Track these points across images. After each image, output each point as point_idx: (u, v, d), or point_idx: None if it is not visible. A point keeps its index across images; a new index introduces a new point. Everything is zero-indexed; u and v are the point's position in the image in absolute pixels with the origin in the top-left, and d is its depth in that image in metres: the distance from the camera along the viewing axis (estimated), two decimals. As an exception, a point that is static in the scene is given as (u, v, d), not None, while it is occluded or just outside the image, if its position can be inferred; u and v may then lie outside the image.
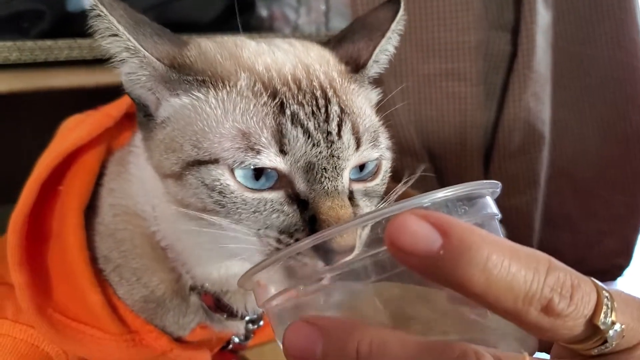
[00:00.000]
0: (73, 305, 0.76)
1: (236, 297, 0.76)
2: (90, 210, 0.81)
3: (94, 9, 0.61)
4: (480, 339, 0.44)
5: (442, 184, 1.54)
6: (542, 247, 1.47)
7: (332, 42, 0.76)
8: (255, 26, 1.94)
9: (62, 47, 1.31)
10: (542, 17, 1.47)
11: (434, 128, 1.50)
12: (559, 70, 1.60)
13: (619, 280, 1.88)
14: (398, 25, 0.74)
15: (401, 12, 0.74)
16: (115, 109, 0.83)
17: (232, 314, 0.77)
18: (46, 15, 1.44)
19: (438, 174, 1.54)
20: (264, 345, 0.95)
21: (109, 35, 0.63)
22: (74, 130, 0.81)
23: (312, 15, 1.90)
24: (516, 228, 1.54)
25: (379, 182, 0.67)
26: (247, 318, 0.78)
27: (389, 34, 0.73)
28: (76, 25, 1.57)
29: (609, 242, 1.75)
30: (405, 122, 1.46)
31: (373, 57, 0.72)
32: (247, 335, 0.85)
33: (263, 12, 1.98)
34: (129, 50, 0.63)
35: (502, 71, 1.51)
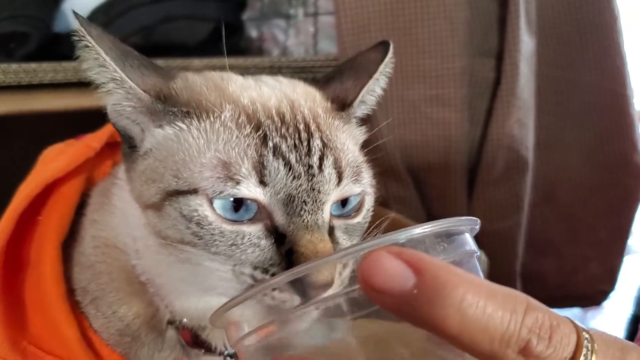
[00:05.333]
0: (48, 338, 0.75)
1: (215, 334, 0.75)
2: (71, 240, 0.80)
3: (82, 40, 0.62)
4: None
5: (427, 209, 1.55)
6: (525, 272, 1.48)
7: (321, 82, 0.77)
8: (244, 47, 1.95)
9: (47, 70, 1.31)
10: (526, 45, 1.49)
11: (419, 153, 1.50)
12: (542, 96, 1.61)
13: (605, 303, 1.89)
14: (386, 67, 0.75)
15: (390, 54, 0.75)
16: (96, 140, 0.83)
17: (210, 350, 0.76)
18: (32, 37, 1.45)
19: (422, 199, 1.54)
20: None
21: (96, 66, 0.63)
22: (54, 160, 0.81)
23: (301, 37, 1.90)
24: (500, 253, 1.53)
25: (361, 219, 0.67)
26: (226, 352, 0.77)
27: (376, 75, 0.74)
28: (63, 46, 1.57)
29: (593, 267, 1.76)
30: (390, 147, 1.46)
31: (359, 97, 0.73)
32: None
33: (253, 33, 1.99)
34: (115, 81, 0.63)
35: (486, 97, 1.51)
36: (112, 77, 0.63)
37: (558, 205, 1.72)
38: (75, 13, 0.62)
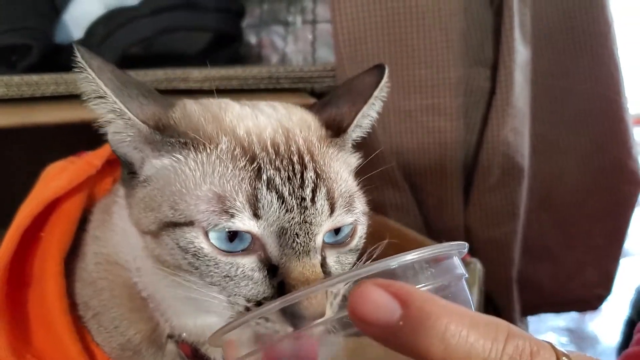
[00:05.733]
0: (51, 352, 0.77)
1: (214, 348, 0.77)
2: (73, 255, 0.82)
3: (83, 72, 0.64)
4: None
5: (424, 216, 1.57)
6: (521, 279, 1.48)
7: (317, 106, 0.78)
8: (243, 54, 1.97)
9: (49, 82, 1.32)
10: (521, 55, 1.50)
11: (415, 161, 1.52)
12: (538, 104, 1.62)
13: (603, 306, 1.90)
14: (381, 92, 0.76)
15: (385, 79, 0.76)
16: (97, 157, 0.85)
17: (209, 362, 0.78)
18: (33, 49, 1.47)
19: (419, 206, 1.56)
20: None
21: (96, 97, 0.65)
22: (55, 178, 0.82)
23: (300, 45, 1.92)
24: (496, 260, 1.55)
25: (354, 247, 0.69)
26: (225, 365, 0.79)
27: (371, 100, 0.75)
28: (65, 57, 1.59)
29: (588, 272, 1.77)
30: (387, 155, 1.48)
31: (355, 122, 0.74)
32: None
33: (252, 39, 2.00)
34: (115, 112, 0.65)
35: (482, 106, 1.53)
36: (112, 108, 0.65)
37: (554, 211, 1.73)
38: (76, 45, 0.64)
